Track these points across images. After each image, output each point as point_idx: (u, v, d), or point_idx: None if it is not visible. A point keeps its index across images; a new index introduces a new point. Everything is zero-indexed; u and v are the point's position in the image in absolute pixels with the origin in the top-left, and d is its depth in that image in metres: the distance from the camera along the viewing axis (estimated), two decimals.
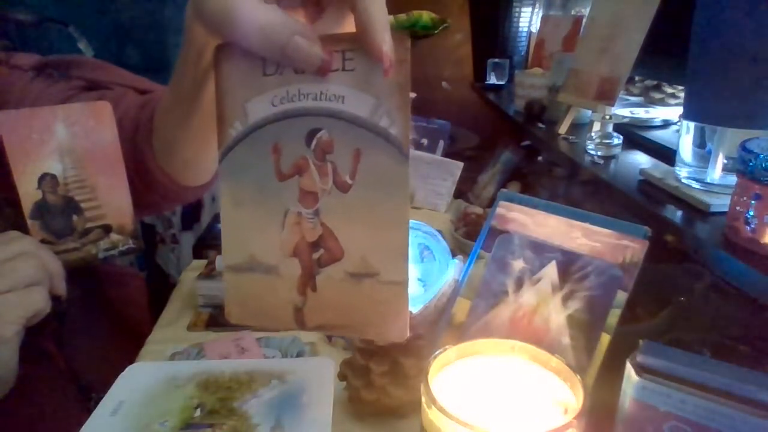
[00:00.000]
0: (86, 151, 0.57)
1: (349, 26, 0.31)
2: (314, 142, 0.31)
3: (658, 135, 1.00)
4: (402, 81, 0.29)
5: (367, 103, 0.29)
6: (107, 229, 0.59)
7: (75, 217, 0.57)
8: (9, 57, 0.72)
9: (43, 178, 0.56)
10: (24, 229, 0.54)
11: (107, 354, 0.71)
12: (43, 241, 0.56)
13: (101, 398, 0.59)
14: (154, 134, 0.59)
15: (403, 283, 0.31)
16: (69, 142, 0.56)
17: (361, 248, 0.31)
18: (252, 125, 0.31)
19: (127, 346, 0.76)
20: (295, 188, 0.31)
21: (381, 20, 0.28)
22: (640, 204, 0.72)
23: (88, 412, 0.57)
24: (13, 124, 0.54)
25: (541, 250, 0.58)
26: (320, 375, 0.57)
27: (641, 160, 0.92)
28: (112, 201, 0.58)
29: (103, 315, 0.76)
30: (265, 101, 0.31)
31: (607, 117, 0.94)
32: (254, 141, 0.31)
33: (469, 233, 0.95)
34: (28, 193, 0.56)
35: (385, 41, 0.28)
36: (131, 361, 0.70)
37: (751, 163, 0.53)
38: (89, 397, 0.66)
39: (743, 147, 0.55)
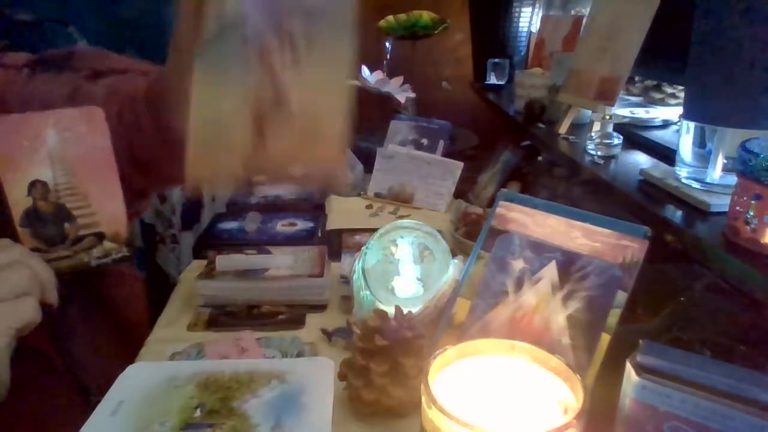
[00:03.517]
0: (78, 157, 0.56)
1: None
2: (280, 26, 0.39)
3: (658, 135, 1.00)
4: None
5: None
6: (101, 237, 0.58)
7: (67, 225, 0.56)
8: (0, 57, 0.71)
9: (33, 185, 0.55)
10: (15, 237, 0.54)
11: (106, 354, 0.71)
12: (34, 249, 0.55)
13: (100, 399, 0.58)
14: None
15: (343, 135, 0.43)
16: (60, 149, 0.55)
17: (312, 110, 0.41)
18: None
19: (126, 346, 0.76)
20: (257, 64, 0.39)
21: None
22: (640, 204, 0.72)
23: (88, 412, 0.56)
24: (3, 130, 0.54)
25: (541, 250, 0.58)
26: (320, 375, 0.57)
27: (641, 160, 0.92)
28: (106, 208, 0.57)
29: (101, 315, 0.76)
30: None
31: (607, 117, 0.94)
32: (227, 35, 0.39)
33: (469, 233, 0.95)
34: (18, 200, 0.54)
35: None
36: (131, 361, 0.70)
37: (751, 163, 0.53)
38: (89, 397, 0.65)
39: (743, 147, 0.55)
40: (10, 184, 0.54)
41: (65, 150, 0.55)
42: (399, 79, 1.52)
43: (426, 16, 1.67)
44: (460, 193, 1.22)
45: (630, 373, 0.39)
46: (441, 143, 1.30)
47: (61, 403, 0.63)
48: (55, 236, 0.56)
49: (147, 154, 0.65)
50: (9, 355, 0.48)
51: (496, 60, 1.78)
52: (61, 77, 0.71)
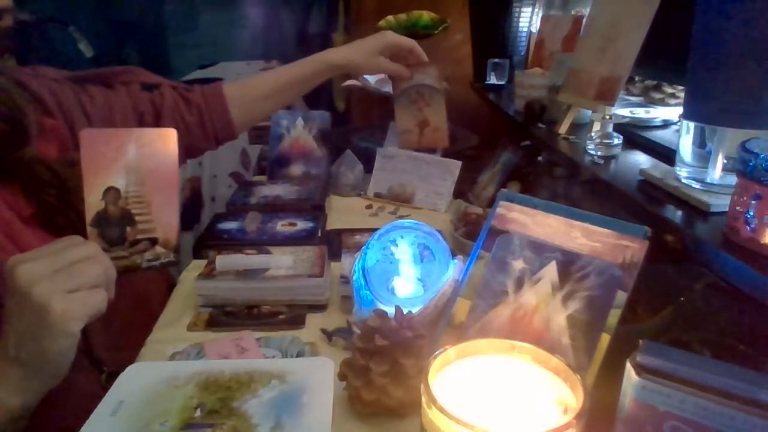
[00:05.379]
0: (149, 170, 0.63)
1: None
2: (421, 94, 1.15)
3: (658, 135, 1.00)
4: None
5: None
6: (154, 242, 0.64)
7: (128, 229, 0.63)
8: (37, 71, 0.79)
9: (108, 191, 0.61)
10: (83, 235, 0.59)
11: (120, 332, 0.73)
12: None
13: (112, 371, 0.64)
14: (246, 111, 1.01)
15: (444, 128, 1.19)
16: (136, 162, 0.62)
17: (432, 119, 1.18)
18: None
19: (141, 325, 0.78)
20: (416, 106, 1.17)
21: None
22: (640, 204, 0.72)
23: (99, 384, 0.63)
24: (94, 141, 0.61)
25: (541, 250, 0.58)
26: (320, 375, 0.57)
27: (641, 160, 0.92)
28: (163, 217, 0.64)
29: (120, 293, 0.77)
30: None
31: (607, 117, 0.94)
32: None
33: (469, 233, 0.95)
34: (93, 203, 0.61)
35: None
36: (143, 338, 0.74)
37: (751, 163, 0.53)
38: (102, 369, 0.69)
39: (743, 147, 0.55)
40: (90, 188, 0.61)
41: (140, 163, 0.62)
42: None
43: (426, 16, 1.67)
44: (460, 193, 1.22)
45: (630, 373, 0.39)
46: None
47: (76, 375, 0.62)
48: (117, 238, 0.62)
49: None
50: (78, 339, 0.53)
51: (496, 60, 1.78)
52: (117, 92, 0.87)
